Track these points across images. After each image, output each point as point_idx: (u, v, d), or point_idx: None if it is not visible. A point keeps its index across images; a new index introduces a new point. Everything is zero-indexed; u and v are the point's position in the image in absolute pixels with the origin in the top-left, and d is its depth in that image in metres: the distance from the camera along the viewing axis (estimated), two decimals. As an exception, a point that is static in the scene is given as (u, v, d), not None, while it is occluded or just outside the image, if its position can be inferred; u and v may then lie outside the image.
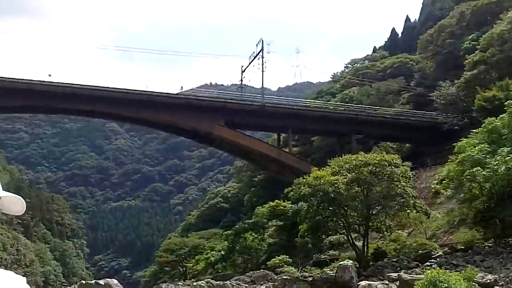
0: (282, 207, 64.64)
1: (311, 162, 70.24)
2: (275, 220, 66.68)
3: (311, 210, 43.88)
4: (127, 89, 69.02)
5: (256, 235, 66.47)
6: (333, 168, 44.57)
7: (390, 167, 42.93)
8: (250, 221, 75.44)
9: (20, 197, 2.81)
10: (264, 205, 74.47)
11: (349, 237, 44.10)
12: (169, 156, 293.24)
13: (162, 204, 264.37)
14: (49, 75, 66.51)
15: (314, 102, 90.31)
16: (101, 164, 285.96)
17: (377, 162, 42.94)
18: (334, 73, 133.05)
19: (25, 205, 2.85)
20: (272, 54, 78.35)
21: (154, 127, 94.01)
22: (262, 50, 76.19)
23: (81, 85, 67.27)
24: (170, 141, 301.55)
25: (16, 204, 2.84)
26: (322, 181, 41.87)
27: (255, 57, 77.16)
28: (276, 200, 66.98)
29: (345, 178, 42.57)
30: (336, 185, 41.39)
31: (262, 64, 75.73)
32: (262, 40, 77.24)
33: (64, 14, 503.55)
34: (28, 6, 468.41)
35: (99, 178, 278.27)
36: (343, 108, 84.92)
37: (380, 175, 42.71)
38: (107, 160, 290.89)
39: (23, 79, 63.68)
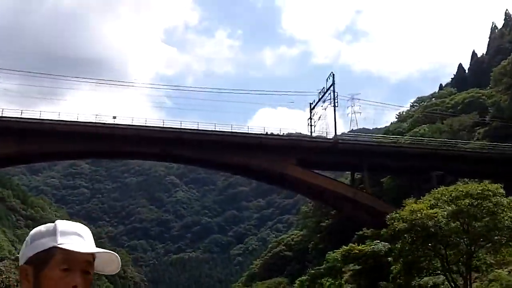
0: (357, 251, 60.29)
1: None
2: (352, 264, 61.89)
3: (406, 247, 38.61)
4: (196, 130, 65.83)
5: (332, 281, 61.92)
6: (429, 201, 39.46)
7: (495, 197, 37.58)
8: (322, 266, 71.83)
9: (116, 254, 2.54)
10: (335, 250, 70.73)
11: (449, 278, 38.54)
12: (227, 207, 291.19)
13: (222, 255, 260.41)
14: (114, 117, 63.97)
15: (387, 137, 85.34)
16: (161, 216, 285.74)
17: (479, 192, 37.69)
18: (399, 113, 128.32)
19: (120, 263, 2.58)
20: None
21: (223, 169, 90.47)
22: (333, 84, 72.63)
23: (147, 126, 64.57)
24: (227, 192, 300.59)
25: (112, 263, 2.58)
26: (419, 214, 36.80)
27: (325, 93, 73.63)
28: (350, 244, 63.60)
29: (444, 211, 37.36)
30: (436, 219, 36.26)
31: (334, 98, 72.03)
32: (333, 74, 73.73)
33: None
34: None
35: (159, 230, 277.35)
36: (419, 143, 79.49)
37: (483, 207, 37.30)
38: (167, 212, 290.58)
39: (87, 122, 61.33)
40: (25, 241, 2.57)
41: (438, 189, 41.53)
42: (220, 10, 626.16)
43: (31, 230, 2.63)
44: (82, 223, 2.60)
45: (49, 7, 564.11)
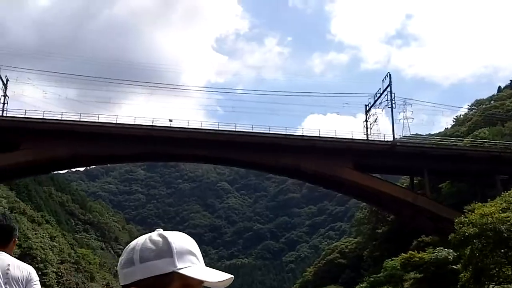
0: (418, 258, 58.29)
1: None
2: (413, 272, 59.43)
3: (476, 254, 36.09)
4: (249, 132, 64.55)
5: (393, 289, 59.87)
6: (500, 204, 36.86)
7: None
8: (380, 274, 69.29)
9: (232, 276, 2.31)
10: (393, 258, 68.96)
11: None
12: (279, 213, 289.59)
13: (274, 261, 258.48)
14: (170, 120, 63.34)
15: (448, 139, 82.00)
16: (213, 222, 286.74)
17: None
18: (456, 116, 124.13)
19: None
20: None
21: (276, 172, 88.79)
22: (389, 84, 70.14)
23: (201, 129, 63.69)
24: (279, 198, 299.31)
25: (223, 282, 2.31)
26: (490, 219, 34.31)
27: (381, 94, 71.12)
28: (410, 251, 61.46)
29: (518, 214, 34.76)
30: (509, 223, 33.72)
31: (391, 99, 69.44)
32: (389, 74, 71.25)
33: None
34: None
35: (212, 236, 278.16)
36: (482, 146, 75.80)
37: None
38: (219, 218, 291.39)
39: (144, 125, 60.81)
40: (126, 257, 2.23)
41: (510, 191, 38.76)
42: (270, 17, 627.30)
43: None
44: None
45: (104, 17, 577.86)
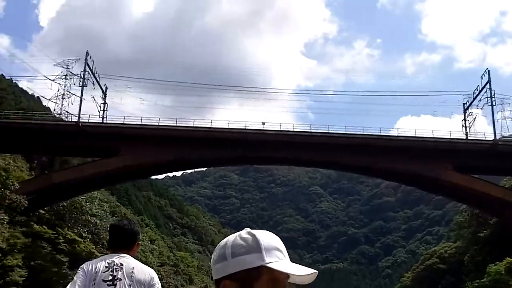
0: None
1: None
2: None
3: None
4: (344, 134, 63.13)
5: (498, 294, 56.76)
6: None
7: None
8: (484, 279, 67.23)
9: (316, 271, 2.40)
10: (497, 262, 66.54)
11: None
12: (374, 217, 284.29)
13: (369, 266, 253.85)
14: (263, 123, 63.09)
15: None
16: (307, 226, 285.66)
17: None
18: None
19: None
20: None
21: (370, 174, 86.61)
22: (489, 81, 66.39)
23: (295, 131, 62.97)
24: (373, 202, 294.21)
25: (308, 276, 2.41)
26: None
27: (480, 91, 67.43)
28: None
29: None
30: None
31: (491, 97, 65.64)
32: (488, 71, 67.47)
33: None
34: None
35: (306, 240, 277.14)
36: None
37: None
38: (313, 222, 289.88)
39: (237, 129, 60.91)
40: (218, 253, 2.42)
41: None
42: (358, 20, 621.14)
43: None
44: (232, 232, 2.30)
45: (197, 27, 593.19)
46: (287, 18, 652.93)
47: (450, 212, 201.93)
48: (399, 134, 65.72)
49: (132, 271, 5.14)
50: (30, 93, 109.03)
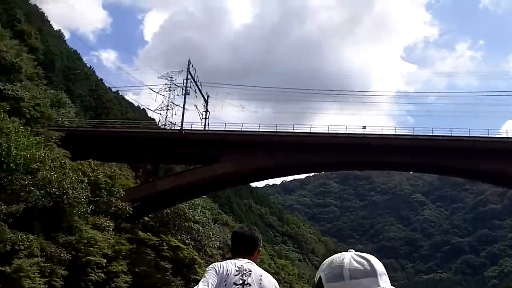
0: None
1: None
2: None
3: None
4: (449, 136, 58.89)
5: None
6: None
7: None
8: None
9: None
10: None
11: None
12: (478, 226, 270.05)
13: (475, 276, 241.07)
14: (363, 127, 60.19)
15: None
16: (409, 235, 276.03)
17: None
18: None
19: None
20: None
21: (476, 178, 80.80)
22: None
23: (396, 135, 59.64)
24: (477, 210, 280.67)
25: None
26: None
27: None
28: None
29: None
30: None
31: None
32: None
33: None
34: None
35: (408, 249, 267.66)
36: None
37: None
38: (415, 231, 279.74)
39: (338, 133, 58.38)
40: (333, 272, 2.57)
41: None
42: (460, 22, 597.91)
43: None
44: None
45: (295, 36, 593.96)
46: (386, 23, 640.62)
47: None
48: (508, 136, 60.39)
49: (261, 278, 5.12)
50: (136, 104, 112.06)
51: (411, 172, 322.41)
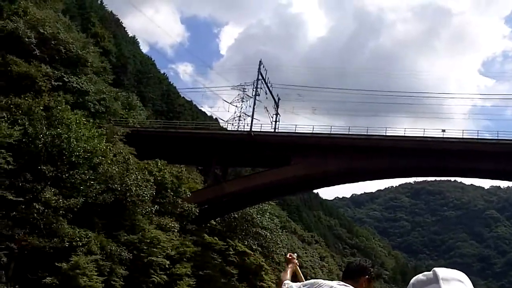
0: None
1: None
2: None
3: None
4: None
5: None
6: None
7: None
8: None
9: None
10: None
11: None
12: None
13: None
14: (443, 131, 54.68)
15: None
16: (482, 252, 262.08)
17: None
18: None
19: None
20: None
21: None
22: None
23: (478, 139, 53.73)
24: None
25: None
26: None
27: None
28: None
29: None
30: None
31: None
32: None
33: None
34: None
35: (481, 267, 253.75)
36: None
37: None
38: (488, 248, 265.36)
39: (414, 137, 53.25)
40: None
41: None
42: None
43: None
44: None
45: (370, 48, 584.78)
46: (465, 37, 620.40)
47: None
48: None
49: None
50: (208, 114, 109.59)
51: (486, 188, 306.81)
